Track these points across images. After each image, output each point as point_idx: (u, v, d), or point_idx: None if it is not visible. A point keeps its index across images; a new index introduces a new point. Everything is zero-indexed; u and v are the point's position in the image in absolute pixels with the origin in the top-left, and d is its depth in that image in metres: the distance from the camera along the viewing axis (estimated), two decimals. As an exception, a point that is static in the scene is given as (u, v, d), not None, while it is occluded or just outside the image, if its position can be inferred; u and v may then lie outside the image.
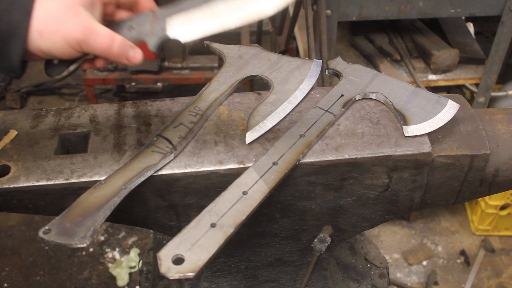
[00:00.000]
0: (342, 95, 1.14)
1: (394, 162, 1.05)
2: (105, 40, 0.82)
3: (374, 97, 1.15)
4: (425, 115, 1.08)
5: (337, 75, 1.22)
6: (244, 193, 0.94)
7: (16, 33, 0.78)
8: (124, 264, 2.95)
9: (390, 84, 1.17)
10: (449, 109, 1.09)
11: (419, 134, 1.06)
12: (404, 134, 1.07)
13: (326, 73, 1.25)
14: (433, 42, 2.74)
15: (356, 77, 1.19)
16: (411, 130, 1.06)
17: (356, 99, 1.15)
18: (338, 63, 1.24)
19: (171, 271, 0.82)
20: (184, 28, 0.91)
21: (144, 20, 0.93)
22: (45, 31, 0.79)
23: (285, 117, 1.12)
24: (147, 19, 0.93)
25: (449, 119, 1.08)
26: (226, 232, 0.88)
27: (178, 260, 0.83)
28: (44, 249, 3.03)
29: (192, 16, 0.92)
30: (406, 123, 1.06)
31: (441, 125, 1.07)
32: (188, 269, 0.82)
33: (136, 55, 0.87)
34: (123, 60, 0.86)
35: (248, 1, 0.89)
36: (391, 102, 1.12)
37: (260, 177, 0.97)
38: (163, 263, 0.83)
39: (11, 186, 0.97)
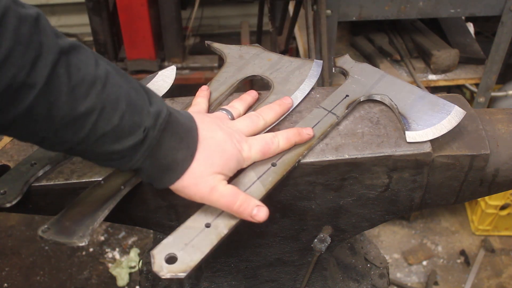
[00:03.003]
0: (347, 96, 1.13)
1: (394, 162, 1.05)
2: (227, 200, 0.90)
3: (379, 99, 1.14)
4: (429, 121, 1.06)
5: (344, 73, 1.20)
6: None
7: (176, 169, 0.88)
8: (124, 264, 2.95)
9: (396, 86, 1.15)
10: (455, 115, 1.07)
11: (422, 140, 1.05)
12: (406, 140, 1.05)
13: (333, 71, 1.23)
14: (433, 42, 2.74)
15: (362, 77, 1.17)
16: (413, 136, 1.05)
17: (361, 100, 1.14)
18: (346, 61, 1.22)
19: (163, 270, 0.82)
20: None
21: None
22: (185, 180, 0.90)
23: (285, 117, 1.11)
24: None
25: (453, 126, 1.06)
26: (220, 233, 0.88)
27: (171, 259, 0.83)
28: (44, 249, 3.03)
29: None
30: (409, 129, 1.05)
31: (444, 132, 1.05)
32: (180, 269, 0.82)
33: (259, 213, 0.91)
34: (247, 218, 0.92)
35: None
36: (396, 105, 1.11)
37: (258, 178, 0.96)
38: (156, 261, 0.83)
39: (11, 186, 0.97)
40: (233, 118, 1.05)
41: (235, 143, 0.95)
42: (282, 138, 1.00)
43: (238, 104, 1.09)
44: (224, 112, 1.05)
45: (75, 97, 0.75)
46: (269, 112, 1.06)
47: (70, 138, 0.79)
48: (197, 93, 1.13)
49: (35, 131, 0.77)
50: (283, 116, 1.09)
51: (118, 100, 0.80)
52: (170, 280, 1.46)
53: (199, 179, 0.89)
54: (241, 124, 1.01)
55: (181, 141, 0.88)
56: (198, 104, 1.09)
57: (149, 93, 0.87)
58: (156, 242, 1.56)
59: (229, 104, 1.10)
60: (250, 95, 1.13)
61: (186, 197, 0.92)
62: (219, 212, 0.91)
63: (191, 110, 1.05)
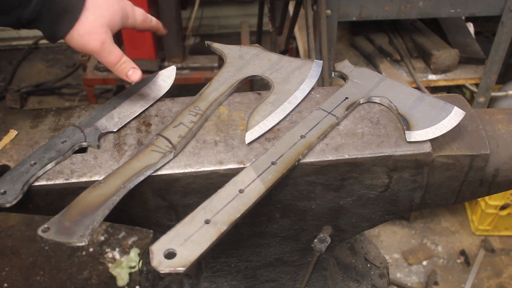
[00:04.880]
0: (347, 98, 1.14)
1: (394, 162, 1.05)
2: (114, 58, 1.05)
3: (378, 101, 1.15)
4: (429, 121, 1.07)
5: (343, 77, 1.21)
6: (241, 191, 0.94)
7: (72, 11, 0.99)
8: (124, 264, 2.95)
9: (395, 88, 1.16)
10: (454, 116, 1.08)
11: (422, 140, 1.05)
12: (406, 140, 1.06)
13: (332, 75, 1.24)
14: (433, 42, 2.74)
15: (362, 80, 1.18)
16: (414, 136, 1.05)
17: (361, 102, 1.15)
18: (345, 66, 1.23)
19: (162, 265, 0.82)
20: None
21: None
22: (80, 28, 1.01)
23: (285, 117, 1.12)
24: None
25: (453, 126, 1.07)
26: (219, 229, 0.88)
27: (170, 255, 0.84)
28: (44, 249, 3.03)
29: None
30: (409, 128, 1.06)
31: (444, 131, 1.06)
32: (179, 264, 0.82)
33: (133, 74, 1.08)
34: (123, 76, 1.07)
35: None
36: (395, 106, 1.11)
37: (258, 176, 0.97)
38: (155, 256, 0.83)
39: (11, 186, 0.97)
40: None
41: (120, 1, 1.07)
42: (153, 18, 1.16)
43: None
44: None
45: None
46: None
47: None
48: None
49: None
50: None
51: None
52: (170, 277, 1.46)
53: (93, 29, 1.01)
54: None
55: None
56: None
57: None
58: (155, 240, 1.56)
59: None
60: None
61: (79, 48, 1.03)
62: (218, 208, 0.91)
63: None
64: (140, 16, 1.12)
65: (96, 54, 1.04)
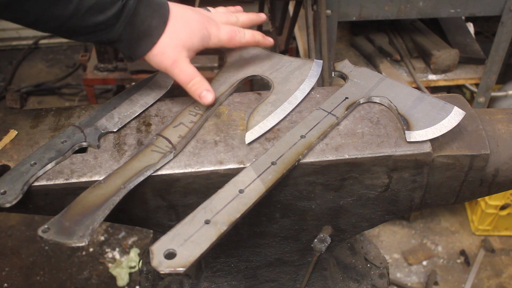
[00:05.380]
0: (347, 98, 1.14)
1: (394, 162, 1.05)
2: (185, 77, 1.07)
3: (378, 101, 1.15)
4: (429, 121, 1.07)
5: (343, 77, 1.21)
6: (241, 191, 0.94)
7: (152, 34, 1.03)
8: (124, 264, 2.95)
9: (395, 88, 1.16)
10: (454, 115, 1.08)
11: (422, 140, 1.05)
12: (406, 140, 1.06)
13: (332, 75, 1.24)
14: (433, 42, 2.74)
15: (362, 80, 1.18)
16: (414, 135, 1.05)
17: (360, 102, 1.14)
18: (345, 66, 1.23)
19: (162, 265, 0.82)
20: None
21: None
22: (155, 48, 1.05)
23: (285, 117, 1.12)
24: None
25: (453, 125, 1.07)
26: (219, 229, 0.89)
27: (170, 255, 0.84)
28: (44, 249, 3.03)
29: None
30: (409, 128, 1.06)
31: (444, 131, 1.06)
32: (179, 264, 0.82)
33: (206, 96, 1.08)
34: (196, 97, 1.09)
35: None
36: (395, 106, 1.11)
37: (258, 176, 0.97)
38: (155, 257, 0.83)
39: (11, 186, 0.97)
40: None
41: (204, 22, 1.09)
42: (248, 33, 1.16)
43: (220, 9, 1.22)
44: (204, 8, 1.19)
45: None
46: (243, 15, 1.21)
47: (60, 13, 0.94)
48: None
49: (29, 10, 0.93)
50: (255, 24, 1.23)
51: None
52: (170, 278, 1.46)
53: (166, 48, 1.05)
54: (216, 14, 1.17)
55: (154, 11, 1.04)
56: None
57: None
58: (156, 240, 1.56)
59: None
60: (235, 8, 1.24)
61: (154, 66, 1.08)
62: (218, 208, 0.91)
63: None
64: (225, 35, 1.12)
65: (169, 73, 1.07)
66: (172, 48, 1.05)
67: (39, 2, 0.93)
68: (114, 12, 0.98)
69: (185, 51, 1.06)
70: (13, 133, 1.08)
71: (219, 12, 1.18)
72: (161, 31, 1.04)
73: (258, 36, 1.18)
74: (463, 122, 1.11)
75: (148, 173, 0.99)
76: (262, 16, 1.24)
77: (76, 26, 0.99)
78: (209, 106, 1.12)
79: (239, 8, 1.25)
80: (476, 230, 3.14)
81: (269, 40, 1.20)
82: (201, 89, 1.07)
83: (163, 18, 1.04)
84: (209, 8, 1.19)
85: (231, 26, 1.15)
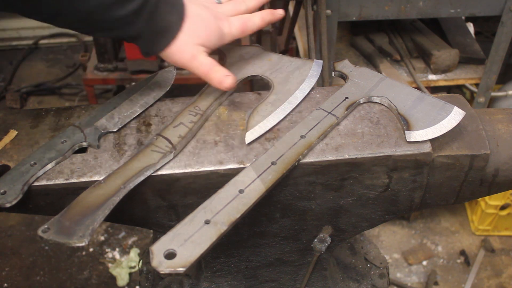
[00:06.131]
0: (347, 98, 1.14)
1: (394, 162, 1.05)
2: (205, 68, 1.08)
3: (378, 101, 1.15)
4: (429, 121, 1.07)
5: (343, 77, 1.21)
6: (241, 191, 0.94)
7: (171, 30, 1.04)
8: (124, 264, 2.95)
9: (395, 88, 1.16)
10: (454, 115, 1.08)
11: (422, 140, 1.05)
12: (406, 140, 1.06)
13: (332, 75, 1.24)
14: (433, 42, 2.74)
15: (362, 80, 1.18)
16: (413, 135, 1.05)
17: (360, 102, 1.14)
18: (345, 66, 1.23)
19: (162, 266, 0.82)
20: None
21: None
22: (173, 47, 1.06)
23: (285, 117, 1.12)
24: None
25: (453, 126, 1.07)
26: (219, 229, 0.89)
27: (170, 255, 0.84)
28: (44, 249, 3.03)
29: None
30: (409, 128, 1.06)
31: (444, 131, 1.06)
32: (179, 264, 0.82)
33: (226, 80, 1.07)
34: (216, 84, 1.08)
35: None
36: (395, 106, 1.11)
37: (258, 176, 0.97)
38: (155, 257, 0.83)
39: (11, 186, 0.97)
40: (220, 3, 1.19)
41: (217, 21, 1.10)
42: (257, 18, 1.16)
43: None
44: None
45: None
46: (251, 0, 1.20)
47: (82, 6, 0.93)
48: None
49: (50, 3, 0.92)
50: (263, 4, 1.21)
51: None
52: (170, 278, 1.46)
53: (184, 46, 1.06)
54: (225, 7, 1.16)
55: (172, 6, 1.04)
56: None
57: None
58: (156, 240, 1.56)
59: None
60: None
61: (172, 63, 1.09)
62: (218, 208, 0.91)
63: None
64: (237, 29, 1.13)
65: (188, 68, 1.08)
66: (191, 46, 1.06)
67: None
68: (136, 7, 0.98)
69: (202, 47, 1.08)
70: (13, 133, 1.08)
71: (227, 3, 1.18)
72: (179, 26, 1.05)
73: (267, 16, 1.18)
74: (463, 122, 1.11)
75: (148, 173, 0.99)
76: (275, 14, 1.22)
77: (98, 21, 0.98)
78: (209, 106, 1.13)
79: None
80: (476, 230, 3.14)
81: (279, 14, 1.19)
82: (220, 73, 1.07)
83: (180, 13, 1.05)
84: None
85: (241, 17, 1.15)
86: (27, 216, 3.15)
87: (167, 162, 1.02)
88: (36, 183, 0.98)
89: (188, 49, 1.06)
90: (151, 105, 1.16)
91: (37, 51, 4.59)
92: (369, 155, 1.04)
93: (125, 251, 3.05)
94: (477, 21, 3.26)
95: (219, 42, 1.11)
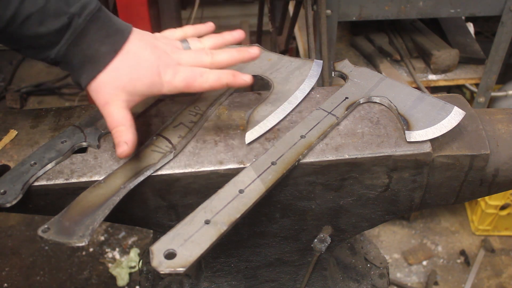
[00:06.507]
0: (347, 98, 1.14)
1: (394, 162, 1.05)
2: (110, 121, 0.96)
3: (378, 101, 1.15)
4: (429, 121, 1.07)
5: (343, 77, 1.21)
6: (241, 191, 0.94)
7: (98, 61, 0.93)
8: (124, 264, 2.95)
9: (395, 88, 1.16)
10: (454, 115, 1.08)
11: (422, 140, 1.05)
12: (406, 140, 1.06)
13: (332, 75, 1.24)
14: (433, 42, 2.74)
15: (362, 80, 1.18)
16: (414, 135, 1.05)
17: (360, 102, 1.15)
18: (345, 66, 1.23)
19: (162, 265, 0.82)
20: None
21: None
22: (93, 84, 0.95)
23: (285, 117, 1.12)
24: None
25: (453, 125, 1.07)
26: (219, 229, 0.89)
27: (170, 255, 0.84)
28: (44, 249, 3.03)
29: None
30: (409, 128, 1.06)
31: (444, 131, 1.06)
32: (179, 264, 0.82)
33: (123, 147, 0.95)
34: (115, 144, 0.97)
35: None
36: (395, 106, 1.11)
37: (258, 176, 0.97)
38: (155, 257, 0.83)
39: (11, 186, 0.97)
40: (188, 48, 1.05)
41: (158, 66, 0.96)
42: (213, 75, 1.00)
43: (209, 39, 1.08)
44: (183, 42, 1.05)
45: None
46: (222, 53, 1.04)
47: None
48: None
49: None
50: (240, 62, 1.06)
51: None
52: (170, 278, 1.46)
53: (102, 87, 0.94)
54: (184, 55, 1.01)
55: (107, 36, 0.93)
56: (169, 31, 1.09)
57: None
58: (156, 240, 1.56)
59: (198, 37, 1.08)
60: (232, 35, 1.10)
61: (94, 102, 0.97)
62: (218, 208, 0.91)
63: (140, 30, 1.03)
64: (181, 82, 0.98)
65: (102, 113, 0.97)
66: (110, 89, 0.94)
67: None
68: (58, 27, 0.89)
69: (124, 94, 0.95)
70: (13, 133, 1.08)
71: (190, 51, 1.03)
72: (108, 60, 0.93)
73: (226, 77, 1.00)
74: (463, 122, 1.11)
75: (148, 173, 0.99)
76: (252, 52, 1.05)
77: (16, 34, 0.90)
78: (209, 106, 1.12)
79: (236, 35, 1.09)
80: (476, 230, 3.14)
81: (243, 79, 1.02)
82: (120, 138, 0.95)
83: (115, 46, 0.93)
84: (189, 40, 1.06)
85: (193, 69, 0.99)
86: (27, 216, 3.15)
87: (167, 162, 1.02)
88: (36, 183, 0.98)
89: (105, 92, 0.94)
90: (151, 105, 1.16)
91: (37, 51, 4.58)
92: (369, 155, 1.04)
93: (125, 251, 3.05)
94: (477, 21, 3.26)
95: (150, 90, 0.97)
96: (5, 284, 2.86)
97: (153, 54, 0.96)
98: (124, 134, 0.95)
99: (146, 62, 0.95)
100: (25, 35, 0.90)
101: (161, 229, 1.12)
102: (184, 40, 1.06)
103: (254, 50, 1.06)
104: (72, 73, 0.96)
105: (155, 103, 1.17)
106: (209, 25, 1.13)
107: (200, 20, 4.25)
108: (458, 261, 3.02)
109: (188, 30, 1.10)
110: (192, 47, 1.05)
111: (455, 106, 1.09)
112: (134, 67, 0.95)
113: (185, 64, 1.00)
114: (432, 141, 1.07)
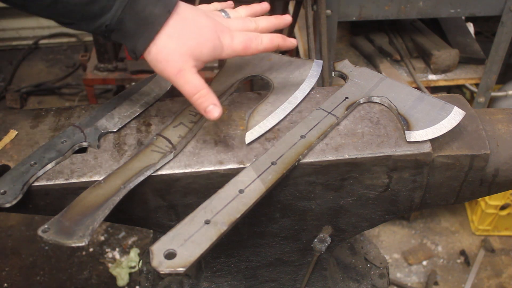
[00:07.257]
0: (347, 98, 1.14)
1: (394, 162, 1.05)
2: (190, 89, 0.97)
3: (378, 101, 1.15)
4: (429, 121, 1.07)
5: (343, 77, 1.21)
6: (241, 191, 0.94)
7: (154, 22, 0.93)
8: (124, 264, 2.95)
9: (395, 88, 1.16)
10: (454, 115, 1.08)
11: (422, 140, 1.05)
12: (406, 140, 1.06)
13: (332, 75, 1.24)
14: (433, 42, 2.74)
15: (362, 80, 1.18)
16: (413, 135, 1.05)
17: (360, 102, 1.15)
18: (344, 66, 1.23)
19: (162, 266, 0.82)
20: None
21: None
22: (159, 54, 0.95)
23: (285, 117, 1.12)
24: None
25: (453, 125, 1.07)
26: (219, 229, 0.89)
27: (170, 255, 0.84)
28: (44, 249, 3.03)
29: None
30: (409, 128, 1.06)
31: (444, 131, 1.06)
32: (179, 264, 0.82)
33: (212, 111, 0.97)
34: (201, 111, 0.98)
35: None
36: (395, 106, 1.11)
37: (258, 176, 0.97)
38: (155, 257, 0.83)
39: (11, 186, 0.97)
40: (229, 17, 1.10)
41: (217, 31, 0.99)
42: (266, 38, 1.05)
43: (242, 9, 1.13)
44: (222, 12, 1.10)
45: None
46: (263, 19, 1.10)
47: None
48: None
49: None
50: (278, 27, 1.12)
51: None
52: (170, 278, 1.46)
53: (170, 56, 0.95)
54: (232, 21, 1.06)
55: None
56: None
57: None
58: (156, 240, 1.56)
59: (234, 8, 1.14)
60: (260, 5, 1.15)
61: (157, 72, 0.98)
62: (218, 208, 0.91)
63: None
64: (239, 44, 1.02)
65: (172, 82, 0.98)
66: (179, 56, 0.95)
67: None
68: None
69: (192, 60, 0.97)
70: (13, 133, 1.08)
71: (236, 19, 1.09)
72: (162, 21, 0.94)
73: (277, 39, 1.07)
74: (463, 122, 1.11)
75: (148, 173, 0.99)
76: (286, 19, 1.13)
77: (68, 5, 0.90)
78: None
79: (264, 6, 1.16)
80: (476, 230, 3.14)
81: (291, 42, 1.09)
82: (208, 102, 0.97)
83: (167, 7, 0.94)
84: (227, 10, 1.11)
85: (247, 33, 1.04)
86: (27, 216, 3.15)
87: (167, 162, 1.02)
88: (36, 183, 0.98)
89: (175, 59, 0.95)
90: (151, 105, 1.16)
91: (37, 51, 4.58)
92: (369, 155, 1.04)
93: (125, 251, 3.05)
94: (477, 21, 3.26)
95: (213, 54, 0.99)
96: (5, 284, 2.86)
97: (209, 20, 1.00)
98: (209, 97, 0.98)
99: (206, 28, 0.98)
100: (78, 2, 0.90)
101: (161, 229, 1.12)
102: (222, 9, 1.11)
103: (288, 17, 1.14)
104: (128, 41, 0.95)
105: (155, 102, 1.17)
106: (264, 4, 1.17)
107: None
108: (458, 261, 3.02)
109: (241, 11, 1.14)
110: (231, 16, 1.10)
111: (455, 106, 1.09)
112: (197, 32, 0.97)
113: (235, 30, 1.04)
114: (432, 141, 1.07)
